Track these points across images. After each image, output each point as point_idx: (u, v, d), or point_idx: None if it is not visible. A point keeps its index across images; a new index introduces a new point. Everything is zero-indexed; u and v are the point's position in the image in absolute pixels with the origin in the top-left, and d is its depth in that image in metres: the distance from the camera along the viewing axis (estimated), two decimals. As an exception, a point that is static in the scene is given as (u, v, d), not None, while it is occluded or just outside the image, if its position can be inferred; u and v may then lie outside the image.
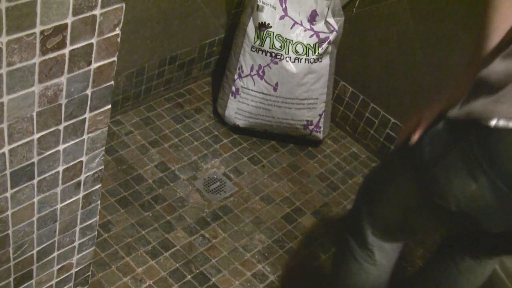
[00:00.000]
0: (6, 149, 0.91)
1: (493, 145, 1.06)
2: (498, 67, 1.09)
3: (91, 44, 0.88)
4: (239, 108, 2.18)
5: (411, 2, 2.01)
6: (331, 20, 2.07)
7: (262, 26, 2.06)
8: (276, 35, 2.07)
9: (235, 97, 2.17)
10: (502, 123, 1.04)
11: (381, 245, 1.41)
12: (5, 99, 0.84)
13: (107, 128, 1.05)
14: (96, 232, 1.29)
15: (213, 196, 2.01)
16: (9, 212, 1.02)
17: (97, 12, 0.84)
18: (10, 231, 1.06)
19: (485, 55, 1.16)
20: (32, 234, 1.12)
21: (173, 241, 1.84)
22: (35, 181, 1.01)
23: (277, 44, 2.07)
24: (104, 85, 0.97)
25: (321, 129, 2.23)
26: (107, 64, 0.94)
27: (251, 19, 2.08)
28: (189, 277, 1.77)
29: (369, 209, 1.39)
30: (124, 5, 0.87)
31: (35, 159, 0.97)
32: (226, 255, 1.85)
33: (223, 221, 1.95)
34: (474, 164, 1.10)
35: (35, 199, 1.05)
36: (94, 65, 0.92)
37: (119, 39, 0.92)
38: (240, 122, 2.20)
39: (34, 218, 1.09)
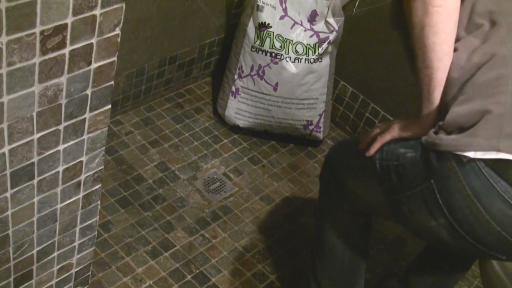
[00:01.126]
0: (6, 149, 0.91)
1: (458, 183, 1.07)
2: (460, 112, 1.10)
3: (91, 44, 0.88)
4: (239, 108, 2.18)
5: (411, 2, 2.01)
6: (331, 20, 2.07)
7: (262, 26, 2.06)
8: (276, 35, 2.07)
9: (235, 97, 2.17)
10: (479, 155, 1.05)
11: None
12: (5, 99, 0.84)
13: (107, 128, 1.05)
14: (96, 232, 1.29)
15: (213, 196, 2.01)
16: (9, 212, 1.02)
17: (97, 12, 0.84)
18: (10, 231, 1.06)
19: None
20: (32, 234, 1.12)
21: (173, 241, 1.84)
22: (35, 181, 1.01)
23: (277, 44, 2.07)
24: (104, 85, 0.97)
25: (321, 129, 2.23)
26: (107, 64, 0.94)
27: (251, 19, 2.08)
28: (189, 277, 1.77)
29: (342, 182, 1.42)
30: (124, 5, 0.87)
31: (35, 159, 0.97)
32: (226, 255, 1.85)
33: (223, 221, 1.95)
34: (435, 205, 1.13)
35: (35, 199, 1.05)
36: (94, 65, 0.92)
37: (119, 39, 0.92)
38: (240, 122, 2.20)
39: (34, 218, 1.09)
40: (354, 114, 2.35)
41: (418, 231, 1.24)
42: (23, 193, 1.01)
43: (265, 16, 2.05)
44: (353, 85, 2.30)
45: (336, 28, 2.08)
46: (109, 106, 1.01)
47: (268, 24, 2.06)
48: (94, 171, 1.12)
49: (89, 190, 1.15)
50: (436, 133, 1.13)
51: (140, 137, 2.12)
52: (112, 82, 0.98)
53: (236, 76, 2.15)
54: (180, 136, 2.17)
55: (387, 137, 1.28)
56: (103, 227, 1.82)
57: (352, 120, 2.36)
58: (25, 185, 1.00)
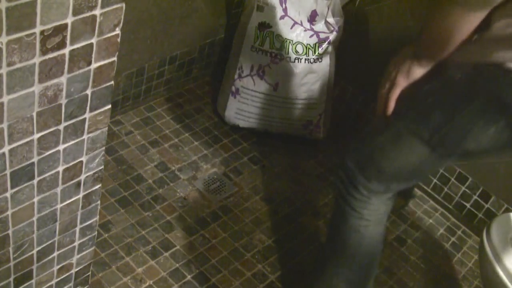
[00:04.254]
0: (6, 149, 0.91)
1: None
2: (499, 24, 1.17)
3: (91, 44, 0.88)
4: (239, 108, 2.18)
5: (411, 2, 2.01)
6: (331, 20, 2.07)
7: (262, 26, 2.06)
8: (276, 35, 2.06)
9: (235, 97, 2.17)
10: None
11: (377, 196, 1.46)
12: (5, 99, 0.84)
13: (107, 128, 1.05)
14: (96, 232, 1.29)
15: (213, 196, 2.01)
16: (9, 212, 1.02)
17: (97, 12, 0.84)
18: (10, 231, 1.06)
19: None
20: (32, 234, 1.12)
21: (173, 241, 1.84)
22: (35, 181, 1.01)
23: (277, 44, 2.07)
24: (104, 85, 0.97)
25: (321, 128, 2.23)
26: (107, 64, 0.94)
27: (251, 18, 2.08)
28: (189, 277, 1.77)
29: (368, 167, 1.43)
30: (124, 5, 0.87)
31: (35, 159, 0.97)
32: (226, 255, 1.85)
33: (223, 221, 1.95)
34: (496, 108, 1.20)
35: (35, 199, 1.05)
36: (94, 65, 0.92)
37: (119, 39, 0.92)
38: (240, 122, 2.20)
39: (34, 218, 1.09)
40: (354, 114, 2.35)
41: (474, 148, 1.28)
42: (23, 193, 1.01)
43: (265, 16, 2.05)
44: (353, 85, 2.30)
45: (336, 28, 2.08)
46: (109, 106, 1.01)
47: (268, 24, 2.06)
48: (94, 171, 1.12)
49: (89, 190, 1.15)
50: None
51: (140, 137, 2.12)
52: (112, 82, 0.98)
53: (236, 76, 2.15)
54: (180, 136, 2.17)
55: (397, 91, 1.33)
56: (103, 227, 1.82)
57: (352, 120, 2.36)
58: (25, 185, 1.00)
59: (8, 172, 0.95)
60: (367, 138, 1.48)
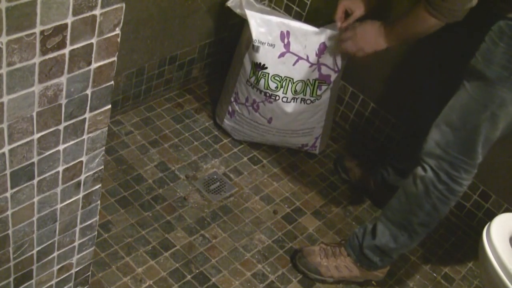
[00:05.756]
0: (6, 149, 0.91)
1: None
2: None
3: (91, 44, 0.88)
4: (234, 128, 2.17)
5: (411, 2, 2.00)
6: (337, 57, 1.98)
7: (257, 66, 1.97)
8: (272, 75, 1.97)
9: (231, 116, 2.15)
10: None
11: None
12: (5, 99, 0.84)
13: (107, 128, 1.05)
14: (96, 232, 1.29)
15: (213, 196, 2.01)
16: (9, 212, 1.02)
17: (97, 12, 0.84)
18: (10, 231, 1.06)
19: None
20: (32, 234, 1.12)
21: (173, 241, 1.84)
22: (35, 181, 1.01)
23: (272, 85, 1.98)
24: (104, 85, 0.97)
25: (318, 147, 2.21)
26: (107, 64, 0.94)
27: (246, 55, 1.99)
28: (189, 277, 1.77)
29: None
30: (124, 5, 0.87)
31: (35, 159, 0.97)
32: (226, 255, 1.85)
33: (223, 221, 1.94)
34: None
35: (35, 199, 1.05)
36: (94, 65, 0.92)
37: (119, 39, 0.92)
38: (236, 137, 2.19)
39: (34, 218, 1.09)
40: (354, 114, 2.35)
41: None
42: (23, 193, 1.01)
43: (261, 56, 1.95)
44: (353, 85, 2.30)
45: (339, 67, 2.00)
46: (109, 106, 1.01)
47: (264, 65, 1.96)
48: (94, 171, 1.12)
49: (89, 190, 1.15)
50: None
51: (140, 137, 2.12)
52: (112, 82, 0.98)
53: (232, 99, 2.11)
54: (180, 136, 2.17)
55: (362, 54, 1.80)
56: (103, 227, 1.82)
57: (352, 120, 2.36)
58: (25, 185, 1.00)
59: (8, 172, 0.95)
60: None
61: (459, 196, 1.66)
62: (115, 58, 0.94)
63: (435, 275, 1.99)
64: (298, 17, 2.31)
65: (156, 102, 2.26)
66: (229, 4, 1.99)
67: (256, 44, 1.93)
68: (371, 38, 1.75)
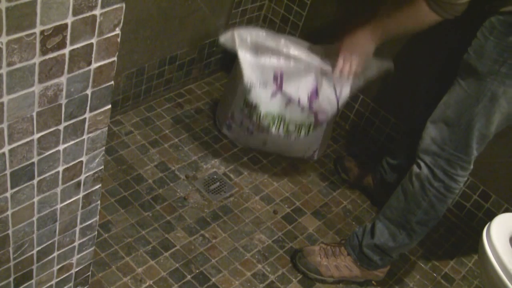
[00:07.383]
0: (6, 149, 0.91)
1: None
2: None
3: (91, 44, 0.88)
4: (233, 136, 2.17)
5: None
6: (332, 96, 1.87)
7: (249, 104, 1.94)
8: (265, 113, 1.92)
9: (228, 130, 2.16)
10: None
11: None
12: (5, 99, 0.84)
13: (107, 128, 1.05)
14: (96, 232, 1.29)
15: (213, 196, 2.01)
16: (9, 212, 1.02)
17: (97, 12, 0.84)
18: (10, 231, 1.06)
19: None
20: (32, 234, 1.12)
21: (173, 241, 1.84)
22: (35, 181, 1.01)
23: (265, 122, 1.93)
24: (104, 85, 0.97)
25: (316, 155, 2.20)
26: (107, 64, 0.94)
27: (239, 90, 1.96)
28: (189, 277, 1.77)
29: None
30: (124, 5, 0.87)
31: (35, 159, 0.97)
32: (226, 255, 1.85)
33: (223, 221, 1.94)
34: None
35: (35, 199, 1.05)
36: (94, 65, 0.92)
37: (119, 39, 0.92)
38: (235, 143, 2.20)
39: (34, 218, 1.09)
40: (354, 114, 2.35)
41: None
42: (23, 193, 1.01)
43: (253, 97, 1.90)
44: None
45: (338, 106, 1.91)
46: (109, 106, 1.01)
47: (255, 104, 1.91)
48: (94, 171, 1.12)
49: (89, 190, 1.15)
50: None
51: (140, 137, 2.12)
52: (112, 82, 0.98)
53: (229, 114, 2.11)
54: (180, 136, 2.17)
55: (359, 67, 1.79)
56: (103, 227, 1.82)
57: (352, 120, 2.36)
58: (25, 185, 1.00)
59: (8, 172, 0.95)
60: None
61: (455, 193, 1.66)
62: (115, 58, 0.94)
63: (435, 275, 1.99)
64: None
65: (156, 102, 2.26)
66: (221, 40, 1.90)
67: (249, 86, 1.88)
68: (361, 48, 1.74)
